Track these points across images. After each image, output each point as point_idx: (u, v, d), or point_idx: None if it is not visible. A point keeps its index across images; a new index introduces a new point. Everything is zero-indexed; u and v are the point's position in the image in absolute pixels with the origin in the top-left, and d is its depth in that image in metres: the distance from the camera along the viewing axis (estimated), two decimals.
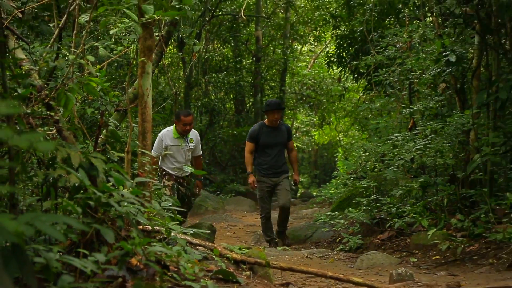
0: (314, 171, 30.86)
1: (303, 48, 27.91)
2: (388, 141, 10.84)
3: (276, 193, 10.97)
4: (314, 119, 28.88)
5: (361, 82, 18.63)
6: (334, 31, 21.03)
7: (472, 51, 9.75)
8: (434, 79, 11.00)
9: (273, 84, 24.60)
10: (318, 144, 31.98)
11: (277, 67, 24.45)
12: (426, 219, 9.35)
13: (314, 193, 19.36)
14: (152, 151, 9.12)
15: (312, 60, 28.78)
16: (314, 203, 17.24)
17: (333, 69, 21.22)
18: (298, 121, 30.07)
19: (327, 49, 24.88)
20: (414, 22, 13.63)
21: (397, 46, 12.81)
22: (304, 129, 30.88)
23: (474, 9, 9.11)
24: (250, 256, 6.30)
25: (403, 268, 7.24)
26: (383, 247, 9.76)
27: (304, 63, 28.30)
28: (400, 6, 16.24)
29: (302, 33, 25.37)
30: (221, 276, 5.13)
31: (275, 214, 11.33)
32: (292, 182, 11.15)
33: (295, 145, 10.98)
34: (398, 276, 6.72)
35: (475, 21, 9.31)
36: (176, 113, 10.81)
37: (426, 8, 12.79)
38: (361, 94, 19.36)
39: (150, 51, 6.41)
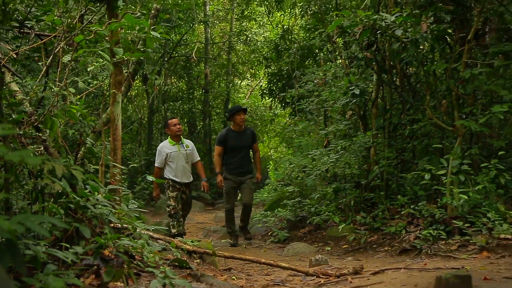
0: None
1: (242, 83, 27.97)
2: (308, 156, 10.92)
3: (240, 191, 10.43)
4: None
5: (287, 110, 18.74)
6: (266, 69, 21.18)
7: (372, 86, 9.90)
8: (343, 108, 11.12)
9: (218, 111, 24.63)
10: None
11: (222, 97, 24.54)
12: (338, 217, 9.45)
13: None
14: (155, 164, 9.70)
15: (249, 92, 28.84)
16: (253, 204, 17.23)
17: (265, 99, 21.34)
18: None
19: (261, 83, 24.98)
20: (328, 63, 13.76)
21: (315, 82, 12.94)
22: None
23: (372, 54, 9.25)
24: (200, 247, 6.29)
25: (319, 255, 7.30)
26: (304, 239, 9.81)
27: (243, 94, 28.34)
28: (316, 51, 16.42)
29: (241, 71, 25.47)
30: (177, 264, 5.13)
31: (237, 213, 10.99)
32: (254, 180, 10.39)
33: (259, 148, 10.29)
34: (316, 261, 6.77)
35: (374, 63, 9.45)
36: (164, 124, 10.47)
37: (337, 53, 12.94)
38: (287, 119, 19.48)
39: (120, 85, 6.38)
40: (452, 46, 8.91)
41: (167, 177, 9.55)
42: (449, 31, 8.69)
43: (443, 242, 7.07)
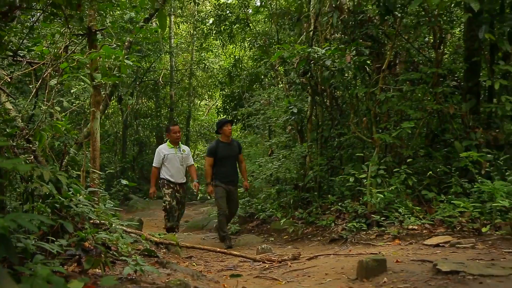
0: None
1: (201, 103, 27.93)
2: (256, 163, 10.94)
3: (228, 201, 8.77)
4: None
5: (239, 125, 18.78)
6: (221, 92, 21.30)
7: (307, 106, 9.99)
8: (284, 123, 11.19)
9: (181, 126, 24.50)
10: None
11: (184, 114, 24.47)
12: (280, 213, 9.49)
13: (209, 197, 19.34)
14: (153, 164, 9.10)
15: (207, 110, 28.83)
16: (209, 203, 17.20)
17: (220, 116, 21.35)
18: (198, 149, 29.99)
19: (216, 103, 25.00)
20: (271, 87, 13.85)
21: (261, 102, 12.99)
22: (202, 155, 30.85)
23: (307, 80, 9.36)
24: (166, 239, 6.24)
25: (265, 244, 7.32)
26: (252, 231, 9.81)
27: (202, 112, 28.33)
28: (262, 77, 16.54)
29: (200, 93, 25.44)
30: (146, 253, 5.09)
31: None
32: (245, 188, 9.30)
33: (243, 158, 9.36)
34: (262, 250, 6.79)
35: (308, 87, 9.56)
36: (166, 128, 9.67)
37: (278, 79, 13.06)
38: (239, 132, 19.51)
39: (99, 104, 6.30)
40: (370, 74, 9.08)
41: (163, 177, 8.91)
42: (368, 62, 8.85)
43: (364, 232, 7.18)
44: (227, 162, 8.73)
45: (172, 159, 8.90)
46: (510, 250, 5.19)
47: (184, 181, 9.12)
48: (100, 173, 6.43)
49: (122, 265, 4.27)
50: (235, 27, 16.40)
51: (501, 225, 6.10)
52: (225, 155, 8.71)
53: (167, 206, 8.81)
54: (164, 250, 6.23)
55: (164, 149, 9.07)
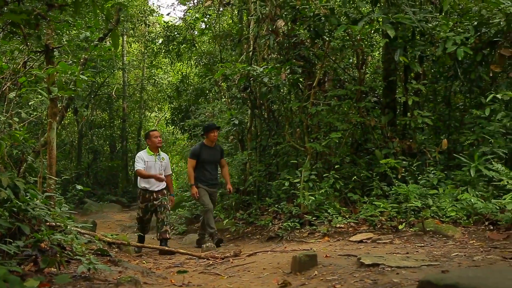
0: None
1: (151, 114, 27.54)
2: None
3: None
4: None
5: (186, 135, 18.66)
6: (169, 105, 21.11)
7: (247, 118, 10.03)
8: (226, 133, 11.21)
9: (133, 135, 24.11)
10: None
11: (136, 125, 24.12)
12: (223, 214, 9.47)
13: (194, 199, 19.17)
14: (136, 167, 7.74)
15: (157, 122, 28.47)
16: None
17: (169, 127, 21.25)
18: None
19: (166, 115, 24.73)
20: (215, 101, 13.86)
21: (206, 114, 12.97)
22: None
23: (247, 95, 9.41)
24: (117, 239, 6.11)
25: (209, 243, 7.29)
26: (198, 231, 9.74)
27: (152, 123, 27.92)
28: (207, 91, 16.52)
29: (150, 106, 25.11)
30: (99, 252, 4.97)
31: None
32: (227, 191, 8.55)
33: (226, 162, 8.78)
34: (207, 248, 6.76)
35: (248, 101, 9.61)
36: (145, 134, 8.37)
37: (222, 93, 13.07)
38: (186, 141, 19.38)
39: (55, 115, 6.13)
40: (302, 90, 9.21)
41: (140, 187, 7.78)
42: (301, 79, 8.98)
43: (298, 231, 7.26)
44: (209, 165, 8.09)
45: (152, 167, 7.78)
46: (422, 245, 5.38)
47: (162, 187, 7.85)
48: (56, 179, 6.25)
49: (76, 264, 4.18)
50: (183, 46, 16.34)
51: (415, 222, 6.32)
52: (208, 158, 8.06)
53: (138, 219, 8.02)
54: (116, 249, 6.11)
55: (144, 155, 7.87)
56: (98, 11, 4.22)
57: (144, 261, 6.06)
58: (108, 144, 23.68)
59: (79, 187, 6.55)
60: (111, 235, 6.21)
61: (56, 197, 5.78)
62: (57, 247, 4.08)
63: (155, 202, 7.67)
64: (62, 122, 15.98)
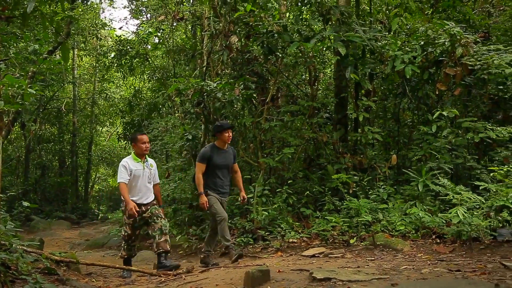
0: (109, 202, 29.70)
1: (103, 129, 27.08)
2: None
3: None
4: (110, 171, 28.07)
5: None
6: (121, 119, 20.83)
7: (200, 133, 9.99)
8: (180, 148, 11.12)
9: (84, 150, 23.60)
10: (112, 186, 30.97)
11: (86, 140, 23.69)
12: (175, 230, 9.33)
13: (110, 216, 18.64)
14: (119, 179, 6.38)
15: (108, 136, 28.00)
16: (110, 222, 16.64)
17: (121, 142, 20.96)
18: (100, 172, 28.98)
19: (118, 130, 24.36)
20: (168, 116, 13.76)
21: (159, 129, 12.85)
22: (103, 177, 29.86)
23: (201, 110, 9.37)
24: (66, 257, 5.91)
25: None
26: (150, 248, 9.55)
27: (103, 138, 27.48)
28: (160, 106, 16.39)
29: (102, 120, 24.68)
30: (46, 271, 4.81)
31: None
32: (240, 199, 6.91)
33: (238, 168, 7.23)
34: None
35: (202, 116, 9.57)
36: (131, 137, 6.96)
37: (175, 108, 12.99)
38: None
39: (1, 130, 5.92)
40: (256, 106, 9.27)
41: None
42: (254, 95, 9.03)
43: (251, 246, 7.25)
44: (220, 171, 6.71)
45: (139, 176, 6.47)
46: (372, 258, 5.47)
47: (151, 200, 6.60)
48: (1, 195, 6.02)
49: (22, 283, 4.03)
50: (135, 61, 16.20)
51: (365, 237, 6.43)
52: (220, 163, 6.68)
53: (126, 237, 6.59)
54: (65, 268, 5.91)
55: (130, 163, 6.47)
56: (47, 23, 4.14)
57: (93, 279, 5.90)
58: (57, 159, 23.07)
59: (25, 203, 6.30)
60: (59, 253, 6.01)
61: (1, 215, 5.56)
62: (2, 266, 3.92)
63: (144, 215, 6.43)
64: (8, 137, 15.48)
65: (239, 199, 7.05)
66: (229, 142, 6.79)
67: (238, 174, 7.04)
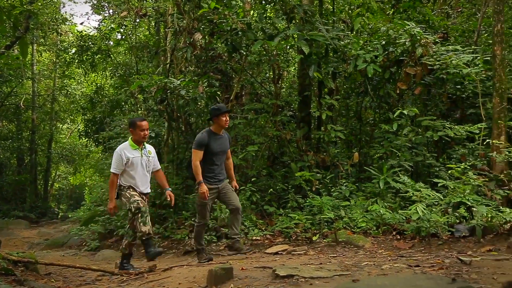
0: (69, 201, 29.13)
1: (63, 126, 26.50)
2: None
3: (224, 197, 6.27)
4: (71, 169, 27.51)
5: (100, 147, 18.13)
6: (83, 116, 20.51)
7: (164, 131, 9.92)
8: None
9: (43, 148, 23.06)
10: (73, 185, 30.35)
11: (46, 137, 23.16)
12: None
13: (70, 215, 18.31)
14: (112, 168, 5.92)
15: (69, 134, 27.44)
16: (70, 221, 16.34)
17: (82, 139, 20.57)
18: (60, 170, 28.36)
19: (79, 127, 23.90)
20: (131, 113, 13.57)
21: (121, 126, 12.66)
22: (64, 175, 29.25)
23: (164, 107, 9.30)
24: (24, 257, 5.77)
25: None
26: (112, 246, 9.44)
27: (64, 135, 26.89)
28: (122, 103, 16.17)
29: (62, 117, 24.15)
30: (3, 272, 4.67)
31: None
32: (232, 189, 6.37)
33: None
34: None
35: (165, 114, 9.50)
36: (130, 122, 6.22)
37: (138, 105, 12.83)
38: (100, 154, 18.83)
39: None
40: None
41: (123, 184, 5.93)
42: (218, 93, 9.02)
43: (214, 244, 7.24)
44: (217, 158, 6.22)
45: (137, 164, 5.98)
46: (335, 255, 5.54)
47: (149, 191, 6.29)
48: None
49: None
50: (97, 57, 15.90)
51: (328, 233, 6.50)
52: (217, 149, 6.19)
53: (139, 205, 5.77)
54: (23, 268, 5.76)
55: (126, 150, 5.97)
56: (4, 17, 4.01)
57: (53, 280, 5.77)
58: (16, 157, 22.45)
59: None
60: (17, 253, 5.86)
61: None
62: None
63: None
64: None
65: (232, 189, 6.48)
66: (226, 126, 6.34)
67: (230, 161, 6.58)
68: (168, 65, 10.08)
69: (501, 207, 5.98)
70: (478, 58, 7.83)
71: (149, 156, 6.12)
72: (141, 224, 5.72)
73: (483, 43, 9.34)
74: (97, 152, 20.63)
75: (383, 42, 7.97)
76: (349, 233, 6.35)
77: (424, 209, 5.78)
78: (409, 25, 7.68)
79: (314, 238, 6.48)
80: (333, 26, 8.93)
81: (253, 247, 6.64)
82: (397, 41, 7.81)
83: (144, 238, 5.78)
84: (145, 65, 14.06)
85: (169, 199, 6.19)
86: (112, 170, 5.90)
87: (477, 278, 3.61)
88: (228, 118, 6.24)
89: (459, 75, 7.57)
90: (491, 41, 7.83)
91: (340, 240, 6.19)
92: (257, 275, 4.39)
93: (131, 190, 5.91)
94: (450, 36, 9.32)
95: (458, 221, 5.95)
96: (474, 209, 5.84)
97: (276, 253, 6.02)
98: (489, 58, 7.75)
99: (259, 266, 4.91)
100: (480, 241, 5.48)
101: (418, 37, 7.53)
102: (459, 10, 10.70)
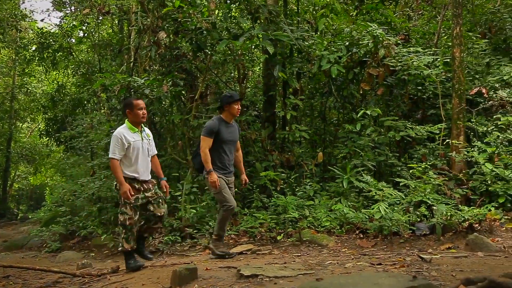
0: (29, 202, 28.41)
1: (23, 125, 25.81)
2: (78, 183, 10.47)
3: None
4: (31, 169, 26.84)
5: (62, 147, 17.76)
6: (43, 115, 20.03)
7: None
8: (106, 146, 10.80)
9: (1, 147, 22.41)
10: (33, 185, 29.61)
11: (5, 136, 22.51)
12: (101, 229, 9.08)
13: (30, 216, 17.85)
14: (111, 154, 5.29)
15: (29, 133, 26.77)
16: (30, 222, 15.95)
17: (43, 139, 20.08)
18: (20, 170, 27.64)
19: (39, 126, 23.33)
20: (94, 112, 13.35)
21: (84, 125, 12.44)
22: (23, 175, 28.52)
23: None
24: None
25: (85, 260, 6.98)
26: (73, 248, 9.28)
27: (24, 135, 26.22)
28: (85, 102, 15.88)
29: (22, 116, 23.50)
30: None
31: None
32: (243, 182, 6.11)
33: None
34: (82, 265, 6.43)
35: None
36: (125, 103, 5.53)
37: (101, 104, 12.64)
38: (62, 154, 18.46)
39: None
40: (185, 103, 9.19)
41: (123, 175, 5.28)
42: (183, 92, 8.95)
43: (179, 244, 7.18)
44: (227, 148, 5.86)
45: (138, 149, 5.38)
46: (299, 254, 5.58)
47: (150, 177, 5.63)
48: None
49: None
50: (59, 54, 15.59)
51: (292, 233, 6.54)
52: (227, 138, 5.84)
53: (127, 222, 5.27)
54: None
55: (125, 133, 5.33)
56: None
57: (11, 282, 5.61)
58: None
59: None
60: None
61: None
62: None
63: (146, 194, 5.42)
64: None
65: (241, 183, 6.24)
66: (238, 115, 6.04)
67: (240, 152, 6.22)
68: (131, 63, 9.97)
69: (460, 206, 6.15)
70: (438, 59, 8.03)
71: (149, 139, 5.62)
72: (124, 240, 5.35)
73: (443, 45, 9.58)
74: (59, 151, 20.21)
75: (347, 43, 8.06)
76: (313, 232, 6.41)
77: (387, 208, 5.89)
78: (371, 27, 7.80)
79: (278, 238, 6.51)
80: (297, 27, 8.99)
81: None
82: (360, 42, 7.92)
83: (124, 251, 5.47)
84: (108, 64, 13.86)
85: (164, 190, 5.69)
86: (111, 155, 5.29)
87: (437, 275, 3.70)
88: (239, 107, 5.92)
89: (420, 76, 7.74)
90: (450, 44, 8.03)
91: (304, 239, 6.23)
92: (222, 275, 4.38)
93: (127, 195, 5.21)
94: (412, 38, 9.52)
95: (419, 219, 6.08)
96: (434, 207, 5.98)
97: (241, 253, 6.00)
98: (448, 60, 7.95)
99: (224, 266, 4.91)
100: (440, 239, 5.61)
101: (381, 39, 7.66)
102: (420, 12, 10.95)
